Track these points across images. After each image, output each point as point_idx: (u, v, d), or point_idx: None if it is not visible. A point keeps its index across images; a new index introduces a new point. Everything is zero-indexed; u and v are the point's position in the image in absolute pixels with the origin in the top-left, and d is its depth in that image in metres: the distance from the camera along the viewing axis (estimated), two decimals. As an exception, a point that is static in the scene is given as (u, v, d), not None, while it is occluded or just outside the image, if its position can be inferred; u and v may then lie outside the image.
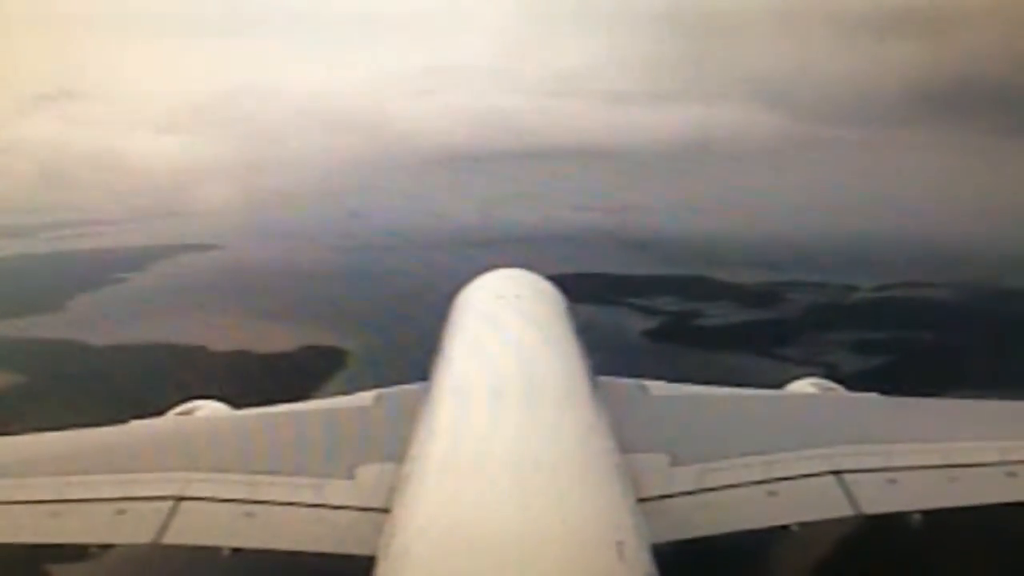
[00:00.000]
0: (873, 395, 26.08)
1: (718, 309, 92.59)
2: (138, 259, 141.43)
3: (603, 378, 23.60)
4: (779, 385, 28.95)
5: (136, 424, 23.93)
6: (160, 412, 26.75)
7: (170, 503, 17.47)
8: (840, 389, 28.27)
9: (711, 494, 17.92)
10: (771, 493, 17.97)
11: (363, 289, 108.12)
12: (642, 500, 16.51)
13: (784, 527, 17.56)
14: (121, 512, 17.22)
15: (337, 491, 17.90)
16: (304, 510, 17.54)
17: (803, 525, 17.53)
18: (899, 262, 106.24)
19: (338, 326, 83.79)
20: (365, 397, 25.22)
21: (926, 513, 17.48)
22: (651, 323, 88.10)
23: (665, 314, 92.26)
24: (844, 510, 17.57)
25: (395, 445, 18.18)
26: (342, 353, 73.99)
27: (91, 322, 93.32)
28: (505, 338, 23.96)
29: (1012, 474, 18.06)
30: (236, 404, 27.89)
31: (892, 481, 18.10)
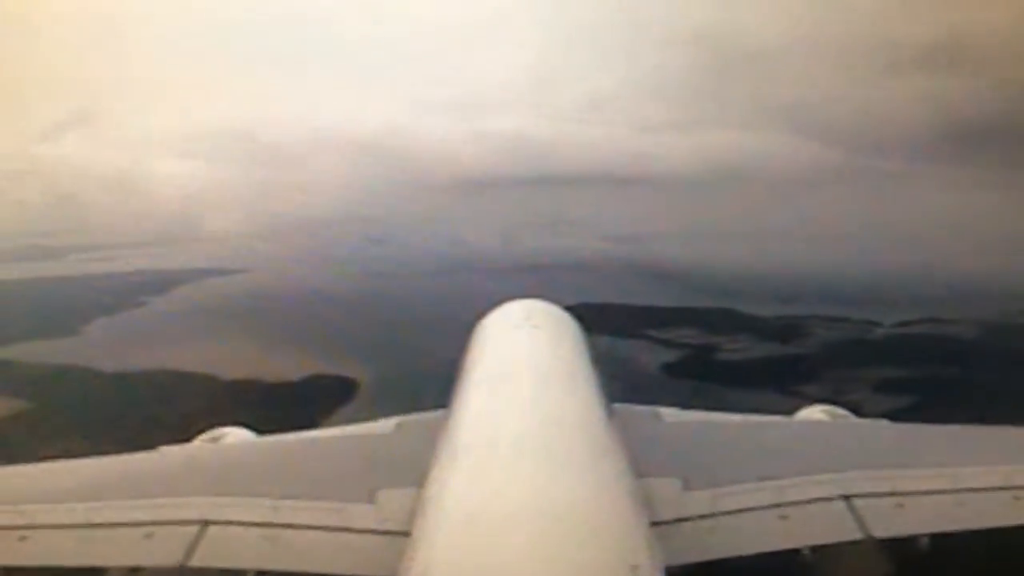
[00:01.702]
0: (882, 421, 24.96)
1: (738, 343, 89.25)
2: (161, 283, 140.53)
3: (618, 405, 22.24)
4: (790, 412, 27.23)
5: (164, 450, 22.81)
6: (167, 442, 26.98)
7: (197, 527, 17.07)
8: (850, 416, 26.28)
9: (723, 518, 17.27)
10: (782, 517, 17.30)
11: (380, 316, 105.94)
12: (656, 524, 15.97)
13: (795, 550, 16.65)
14: (149, 536, 16.87)
15: (358, 515, 17.16)
16: (326, 533, 17.10)
17: (813, 549, 16.73)
18: (922, 297, 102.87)
19: (350, 355, 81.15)
20: (386, 424, 24.26)
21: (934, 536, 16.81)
22: (670, 357, 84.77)
23: (684, 347, 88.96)
24: (854, 533, 16.76)
25: (415, 470, 17.20)
26: (350, 384, 71.08)
27: (105, 347, 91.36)
28: (523, 367, 22.98)
29: (1018, 498, 17.35)
30: (261, 431, 28.14)
31: (900, 505, 17.54)
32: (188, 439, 23.45)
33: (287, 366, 76.78)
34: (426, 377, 60.07)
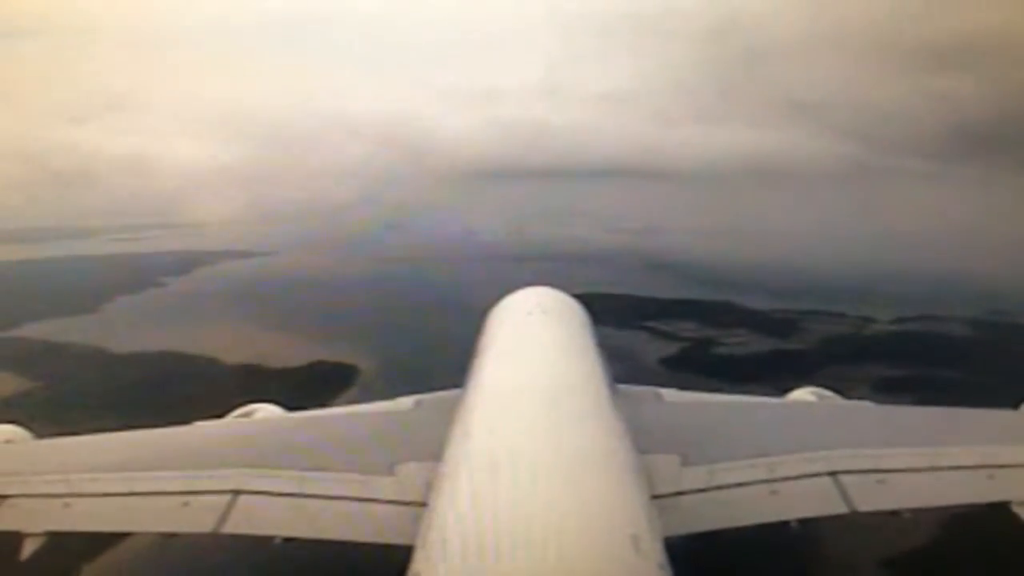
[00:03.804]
0: (867, 403, 27.65)
1: (737, 337, 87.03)
2: (184, 263, 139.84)
3: (621, 386, 24.31)
4: (781, 393, 29.91)
5: (199, 425, 25.21)
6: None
7: (229, 496, 18.40)
8: (836, 398, 29.34)
9: (719, 492, 18.61)
10: (773, 492, 18.68)
11: (390, 303, 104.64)
12: (656, 497, 17.14)
13: (785, 523, 18.08)
14: (185, 504, 18.23)
15: (379, 486, 18.65)
16: (349, 503, 18.32)
17: (801, 521, 18.16)
18: (919, 294, 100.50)
19: (356, 341, 79.48)
20: (406, 402, 26.54)
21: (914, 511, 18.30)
22: (670, 350, 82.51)
23: (684, 340, 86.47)
24: (839, 508, 18.22)
25: (433, 445, 18.69)
26: (352, 371, 69.60)
27: (120, 327, 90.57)
28: (533, 349, 24.72)
29: (992, 476, 18.85)
30: (289, 407, 29.06)
31: (883, 482, 18.88)
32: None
33: (292, 351, 75.49)
34: (426, 369, 58.95)
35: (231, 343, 78.51)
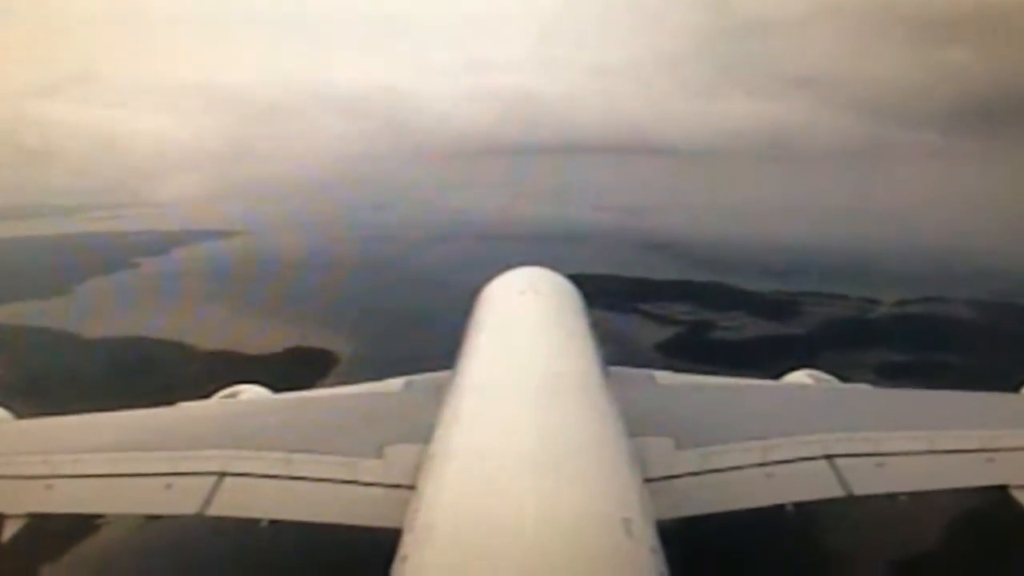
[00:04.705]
0: (864, 386, 27.56)
1: (734, 320, 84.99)
2: (160, 244, 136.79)
3: (614, 368, 24.03)
4: (777, 375, 29.63)
5: (184, 406, 24.96)
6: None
7: (214, 478, 18.13)
8: (833, 380, 28.98)
9: (713, 475, 18.37)
10: (768, 475, 18.48)
11: (374, 284, 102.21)
12: (649, 480, 16.84)
13: (780, 506, 17.90)
14: (169, 486, 17.95)
15: (367, 469, 18.35)
16: (337, 486, 18.05)
17: (797, 505, 17.92)
18: (923, 274, 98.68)
19: (336, 326, 77.51)
20: (394, 383, 26.26)
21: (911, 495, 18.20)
22: (665, 334, 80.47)
23: (679, 324, 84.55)
24: (835, 491, 18.01)
25: (421, 427, 18.47)
26: (330, 358, 67.28)
27: (90, 310, 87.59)
28: (525, 330, 24.54)
29: (991, 460, 18.65)
30: (276, 389, 28.86)
31: (880, 465, 18.66)
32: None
33: (270, 337, 72.77)
34: (415, 353, 56.73)
35: (206, 328, 76.06)
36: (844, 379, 30.10)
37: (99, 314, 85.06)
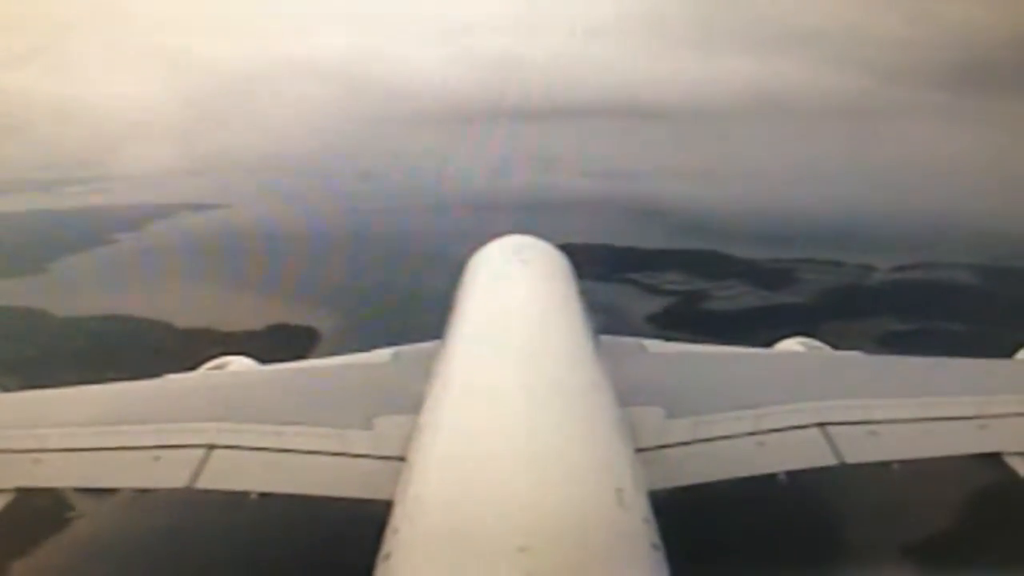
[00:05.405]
0: (856, 353, 27.34)
1: (728, 290, 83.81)
2: (138, 218, 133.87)
3: (604, 337, 24.03)
4: (769, 343, 29.72)
5: (170, 378, 24.92)
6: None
7: (203, 451, 18.16)
8: (825, 348, 29.12)
9: (704, 444, 18.40)
10: (760, 444, 18.47)
11: (359, 256, 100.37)
12: (640, 450, 16.88)
13: (772, 475, 17.89)
14: (157, 459, 17.97)
15: (357, 440, 18.38)
16: (326, 458, 18.08)
17: (789, 474, 17.92)
18: (920, 237, 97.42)
19: (319, 301, 76.28)
20: (383, 354, 26.23)
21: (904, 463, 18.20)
22: (656, 305, 79.25)
23: (671, 294, 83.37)
24: (828, 460, 18.03)
25: (411, 398, 18.41)
26: (312, 335, 65.87)
27: (64, 288, 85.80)
28: (514, 299, 24.48)
29: (984, 427, 18.67)
30: (264, 360, 28.87)
31: (873, 433, 18.69)
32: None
33: (250, 313, 71.21)
34: (403, 329, 55.17)
35: (186, 304, 74.18)
36: (837, 348, 30.01)
37: (73, 292, 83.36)
